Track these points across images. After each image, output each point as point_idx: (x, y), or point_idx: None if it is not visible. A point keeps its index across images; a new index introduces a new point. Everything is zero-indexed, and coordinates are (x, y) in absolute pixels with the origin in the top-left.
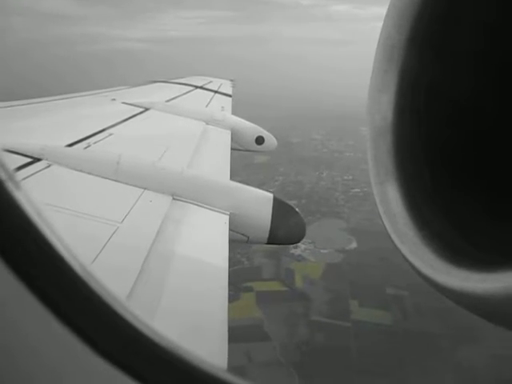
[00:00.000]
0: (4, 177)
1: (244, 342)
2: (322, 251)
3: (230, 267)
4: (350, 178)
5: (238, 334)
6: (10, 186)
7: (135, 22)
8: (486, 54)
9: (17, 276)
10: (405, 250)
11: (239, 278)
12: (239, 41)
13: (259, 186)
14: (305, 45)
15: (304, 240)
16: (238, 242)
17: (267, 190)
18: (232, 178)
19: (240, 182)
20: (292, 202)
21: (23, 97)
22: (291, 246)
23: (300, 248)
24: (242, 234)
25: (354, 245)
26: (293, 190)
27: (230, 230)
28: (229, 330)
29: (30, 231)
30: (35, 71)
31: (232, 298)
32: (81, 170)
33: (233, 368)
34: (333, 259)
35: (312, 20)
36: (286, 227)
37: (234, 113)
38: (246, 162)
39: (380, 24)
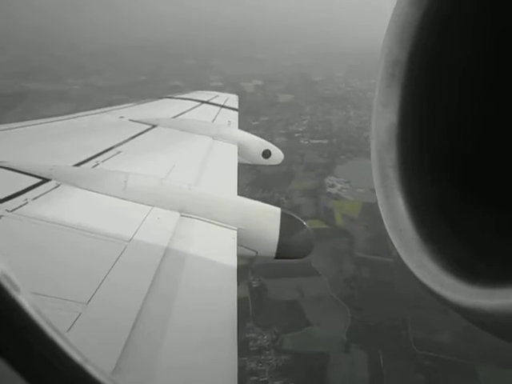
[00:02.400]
0: (5, 283)
1: (294, 277)
2: (358, 190)
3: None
4: None
5: (288, 270)
6: (11, 290)
7: None
8: (489, 64)
9: (21, 376)
10: (411, 264)
11: None
12: None
13: (287, 126)
14: None
15: (339, 179)
16: (247, 257)
17: (296, 130)
18: (258, 117)
19: (267, 121)
20: (322, 142)
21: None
22: (328, 184)
23: (336, 187)
24: (251, 249)
25: None
26: (321, 129)
27: (239, 245)
28: (279, 266)
29: (33, 333)
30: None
31: None
32: (89, 189)
33: (287, 302)
34: (369, 198)
35: None
36: (294, 241)
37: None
38: (270, 101)
39: None
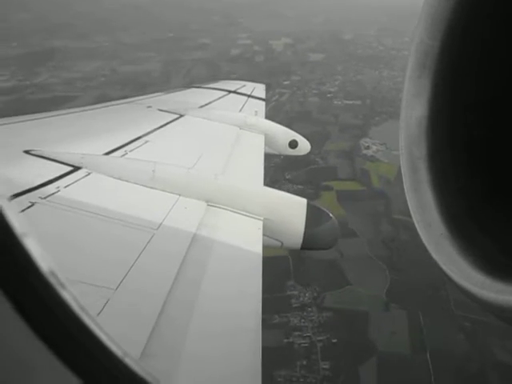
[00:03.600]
0: (53, 279)
1: None
2: (393, 153)
3: (305, 167)
4: None
5: None
6: (58, 287)
7: None
8: None
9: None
10: (440, 259)
11: (316, 178)
12: None
13: (319, 86)
14: None
15: (374, 141)
16: (272, 247)
17: (328, 91)
18: (289, 76)
19: (299, 81)
20: (356, 103)
21: None
22: (363, 146)
23: (372, 149)
24: (276, 240)
25: None
26: (354, 90)
27: (264, 235)
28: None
29: (77, 327)
30: None
31: (313, 196)
32: (118, 178)
33: (327, 261)
34: None
35: None
36: (320, 233)
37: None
38: (301, 60)
39: None
